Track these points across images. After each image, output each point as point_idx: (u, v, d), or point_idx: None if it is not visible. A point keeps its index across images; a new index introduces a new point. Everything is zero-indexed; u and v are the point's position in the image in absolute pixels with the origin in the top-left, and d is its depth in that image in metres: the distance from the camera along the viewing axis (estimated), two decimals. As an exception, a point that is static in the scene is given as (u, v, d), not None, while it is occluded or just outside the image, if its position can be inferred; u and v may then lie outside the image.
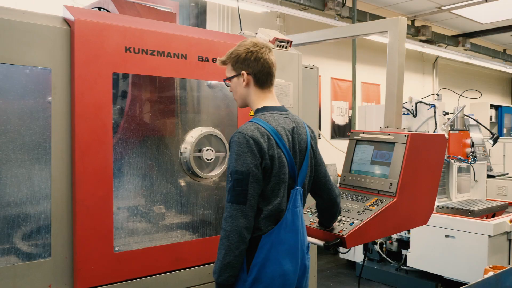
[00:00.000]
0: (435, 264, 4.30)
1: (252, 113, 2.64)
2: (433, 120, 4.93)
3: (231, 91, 2.04)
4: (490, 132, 5.28)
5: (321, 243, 2.31)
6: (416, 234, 4.48)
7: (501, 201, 5.07)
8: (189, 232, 2.48)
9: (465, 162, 4.78)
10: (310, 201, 2.25)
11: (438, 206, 4.56)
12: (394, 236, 4.93)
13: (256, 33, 2.90)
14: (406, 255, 4.60)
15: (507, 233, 4.16)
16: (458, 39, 7.36)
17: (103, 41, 2.11)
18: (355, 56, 5.01)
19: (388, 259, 4.83)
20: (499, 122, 9.89)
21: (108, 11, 2.52)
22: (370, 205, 2.50)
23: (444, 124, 4.77)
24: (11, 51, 1.90)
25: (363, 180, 2.68)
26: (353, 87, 5.24)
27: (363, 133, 2.79)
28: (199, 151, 2.41)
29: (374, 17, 5.65)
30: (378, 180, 2.61)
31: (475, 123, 5.67)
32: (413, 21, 6.38)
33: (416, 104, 4.94)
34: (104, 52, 2.11)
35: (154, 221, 2.39)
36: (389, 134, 2.64)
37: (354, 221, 2.35)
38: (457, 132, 4.82)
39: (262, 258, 1.76)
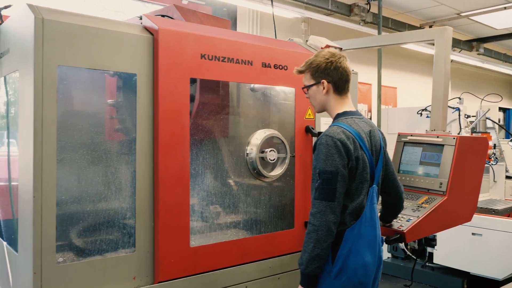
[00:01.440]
0: (462, 261, 4.46)
1: (308, 116, 2.81)
2: (456, 123, 5.10)
3: (307, 98, 2.19)
4: (511, 134, 5.45)
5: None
6: (443, 232, 4.63)
7: (522, 200, 5.24)
8: (252, 228, 2.62)
9: (487, 164, 4.96)
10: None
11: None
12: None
13: (307, 40, 3.05)
14: (431, 253, 4.75)
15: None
16: (472, 44, 7.56)
17: (183, 48, 2.25)
18: (381, 61, 5.15)
19: (413, 256, 5.00)
20: (507, 124, 10.10)
21: (172, 18, 2.66)
22: (422, 203, 2.65)
23: (467, 127, 4.94)
24: (103, 57, 2.04)
25: (412, 180, 2.84)
26: (378, 90, 5.39)
27: (411, 135, 2.94)
28: (263, 152, 2.55)
29: (396, 22, 5.81)
30: (428, 179, 2.76)
31: (491, 125, 5.85)
32: (430, 26, 6.56)
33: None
34: (183, 59, 2.25)
35: (222, 217, 2.53)
36: (437, 137, 2.79)
37: (411, 218, 2.51)
38: (480, 134, 5.00)
39: (346, 251, 1.91)
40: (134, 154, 2.15)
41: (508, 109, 10.49)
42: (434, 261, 4.67)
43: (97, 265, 2.05)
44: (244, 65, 2.50)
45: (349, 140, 1.91)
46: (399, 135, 3.00)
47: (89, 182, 2.07)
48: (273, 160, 2.59)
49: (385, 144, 2.19)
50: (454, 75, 8.97)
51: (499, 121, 10.26)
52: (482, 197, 5.27)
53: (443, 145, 2.75)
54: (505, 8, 5.76)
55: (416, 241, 5.07)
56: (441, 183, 2.69)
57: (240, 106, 2.61)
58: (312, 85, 2.11)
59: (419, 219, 2.48)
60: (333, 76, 2.05)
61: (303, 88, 2.17)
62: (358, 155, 1.92)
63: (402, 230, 2.41)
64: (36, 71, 1.85)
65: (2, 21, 2.43)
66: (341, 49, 3.08)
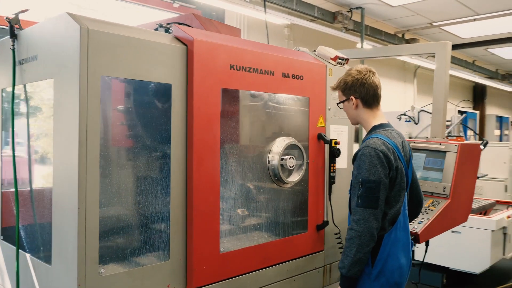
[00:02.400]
0: (442, 257, 4.74)
1: (320, 124, 2.93)
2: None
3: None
4: (481, 138, 5.82)
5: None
6: (423, 231, 4.91)
7: (490, 199, 5.61)
8: (272, 233, 2.71)
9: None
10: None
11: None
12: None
13: (314, 50, 3.15)
14: (413, 250, 5.00)
15: (504, 228, 4.68)
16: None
17: (215, 59, 2.30)
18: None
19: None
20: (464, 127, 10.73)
21: (191, 26, 2.70)
22: (429, 206, 2.83)
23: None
24: (141, 68, 2.06)
25: (416, 185, 3.02)
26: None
27: (414, 142, 3.12)
28: (282, 159, 2.64)
29: (373, 30, 6.06)
30: (432, 184, 2.95)
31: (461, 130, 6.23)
32: (403, 34, 6.88)
33: (418, 112, 5.40)
34: (215, 69, 2.30)
35: (246, 223, 2.60)
36: (440, 144, 2.99)
37: (422, 220, 2.68)
38: (455, 138, 5.32)
39: (386, 254, 2.04)
40: (169, 163, 2.18)
41: (466, 111, 11.19)
42: (415, 258, 4.92)
43: (135, 275, 2.06)
44: (266, 75, 2.57)
45: (390, 151, 2.04)
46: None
47: (128, 192, 2.09)
48: (292, 167, 2.68)
49: (411, 154, 2.35)
50: (423, 81, 9.43)
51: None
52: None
53: (445, 152, 2.94)
54: (474, 19, 6.14)
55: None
56: (444, 187, 2.89)
57: (260, 115, 2.68)
58: (343, 101, 2.26)
59: (430, 221, 2.66)
60: (359, 92, 2.21)
61: (337, 104, 2.30)
62: (398, 165, 2.05)
63: (416, 232, 2.58)
64: (81, 81, 1.85)
65: (20, 26, 2.38)
66: (348, 60, 3.22)
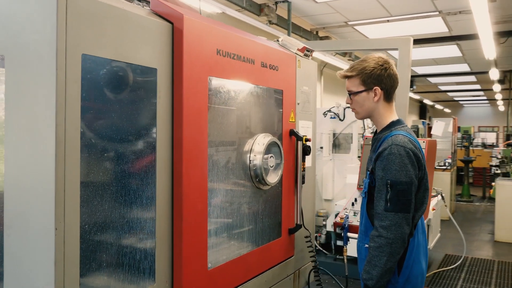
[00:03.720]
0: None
1: (291, 120, 2.70)
2: (356, 124, 5.50)
3: (347, 103, 2.10)
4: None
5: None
6: (354, 227, 4.96)
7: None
8: (252, 242, 2.42)
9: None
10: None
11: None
12: (324, 230, 5.37)
13: (276, 40, 2.91)
14: (342, 246, 5.03)
15: (428, 219, 4.92)
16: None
17: (203, 41, 1.95)
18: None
19: (323, 250, 5.24)
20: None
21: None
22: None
23: (369, 128, 5.38)
24: (126, 47, 1.63)
25: (384, 181, 2.95)
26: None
27: (380, 138, 3.06)
28: (265, 159, 2.37)
29: (293, 25, 6.01)
30: (400, 181, 2.90)
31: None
32: (317, 32, 6.96)
33: (344, 109, 5.45)
34: (204, 54, 1.95)
35: (228, 232, 2.27)
36: (407, 140, 2.95)
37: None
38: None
39: (412, 261, 1.88)
40: (155, 166, 1.78)
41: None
42: (348, 254, 4.97)
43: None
44: (248, 64, 2.28)
45: (417, 149, 1.88)
46: (366, 138, 3.09)
47: (112, 204, 1.64)
48: (272, 166, 2.43)
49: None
50: (329, 80, 9.72)
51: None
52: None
53: (413, 148, 2.91)
54: (388, 21, 6.42)
55: (324, 236, 5.34)
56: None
57: (239, 109, 2.37)
58: (361, 91, 2.02)
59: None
60: (386, 83, 2.00)
61: (351, 94, 2.07)
62: (423, 163, 1.90)
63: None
64: (59, 60, 1.39)
65: None
66: (313, 51, 3.04)
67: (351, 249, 2.65)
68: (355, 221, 2.66)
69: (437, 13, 6.14)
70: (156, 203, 1.79)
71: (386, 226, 1.80)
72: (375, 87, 2.00)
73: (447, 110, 24.27)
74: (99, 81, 1.59)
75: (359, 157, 5.73)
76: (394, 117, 2.04)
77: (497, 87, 12.34)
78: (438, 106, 23.04)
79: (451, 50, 8.84)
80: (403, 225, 1.80)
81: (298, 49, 2.90)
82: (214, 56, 2.02)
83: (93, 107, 1.57)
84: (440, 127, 9.81)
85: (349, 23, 6.64)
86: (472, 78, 13.63)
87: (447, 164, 9.02)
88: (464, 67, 11.32)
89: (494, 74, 9.79)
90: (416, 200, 1.88)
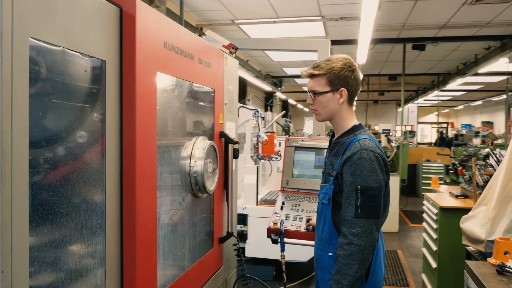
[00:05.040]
0: (271, 251, 4.84)
1: (221, 121, 2.52)
2: (248, 123, 5.48)
3: (309, 104, 1.99)
4: (288, 133, 6.25)
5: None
6: (253, 227, 4.93)
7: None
8: (192, 256, 2.18)
9: (276, 160, 5.54)
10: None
11: (264, 199, 5.15)
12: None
13: (199, 34, 2.70)
14: (243, 247, 4.98)
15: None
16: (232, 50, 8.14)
17: (153, 31, 1.68)
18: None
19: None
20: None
21: None
22: (330, 206, 2.79)
23: (264, 127, 5.39)
24: (75, 33, 1.31)
25: (308, 183, 2.94)
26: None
27: (302, 140, 3.03)
28: (205, 164, 2.16)
29: (180, 20, 5.76)
30: (324, 182, 2.92)
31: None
32: (201, 28, 6.76)
33: (238, 108, 5.36)
34: (153, 47, 1.68)
35: (171, 247, 2.00)
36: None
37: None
38: (270, 133, 5.54)
39: (376, 265, 1.85)
40: (104, 179, 1.47)
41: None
42: (246, 255, 4.92)
43: None
44: (189, 60, 2.05)
45: (384, 153, 1.85)
46: (288, 140, 3.05)
47: (63, 230, 1.30)
48: (211, 172, 2.23)
49: None
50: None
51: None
52: (265, 190, 5.87)
53: (335, 150, 2.95)
54: (274, 22, 6.52)
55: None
56: (338, 185, 2.89)
57: (181, 109, 2.12)
58: (327, 92, 1.92)
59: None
60: (352, 85, 1.93)
61: (315, 93, 1.95)
62: (388, 168, 1.88)
63: (338, 234, 2.49)
64: (3, 44, 1.04)
65: None
66: (237, 48, 2.88)
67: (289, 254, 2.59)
68: (289, 225, 2.59)
69: (320, 17, 6.45)
70: (106, 223, 1.48)
71: (357, 233, 1.75)
72: (341, 89, 1.93)
73: (306, 110, 26.00)
74: (45, 76, 1.24)
75: (252, 156, 5.74)
76: (355, 121, 2.00)
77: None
78: (299, 106, 24.54)
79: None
80: (374, 231, 1.77)
81: (224, 46, 2.73)
82: (162, 49, 1.75)
83: (37, 111, 1.21)
84: (311, 126, 10.41)
85: (236, 21, 6.60)
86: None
87: (319, 160, 9.60)
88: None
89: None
90: (384, 204, 1.87)
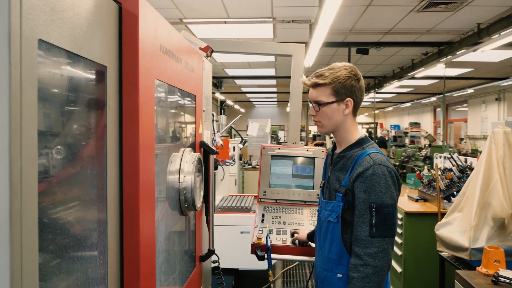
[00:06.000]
0: (231, 260, 4.68)
1: (200, 131, 2.33)
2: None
3: (311, 114, 1.85)
4: (242, 138, 6.11)
5: (311, 259, 2.37)
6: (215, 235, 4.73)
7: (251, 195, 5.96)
8: (179, 280, 1.98)
9: (229, 165, 5.38)
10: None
11: (221, 206, 4.97)
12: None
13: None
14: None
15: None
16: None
17: (153, 33, 1.47)
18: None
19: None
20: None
21: None
22: (312, 216, 2.69)
23: (219, 132, 5.20)
24: (79, 35, 1.09)
25: (286, 193, 2.82)
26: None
27: (279, 148, 2.90)
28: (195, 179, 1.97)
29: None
30: (303, 192, 2.82)
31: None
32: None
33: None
34: (153, 50, 1.48)
35: (166, 276, 1.79)
36: (308, 150, 2.88)
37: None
38: (224, 138, 5.36)
39: (388, 285, 1.75)
40: (106, 192, 1.25)
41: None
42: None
43: None
44: (178, 64, 1.85)
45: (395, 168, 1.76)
46: (264, 148, 2.91)
47: (66, 247, 1.07)
48: (198, 188, 2.04)
49: None
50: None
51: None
52: (218, 195, 5.68)
53: (313, 158, 2.86)
54: (225, 22, 6.34)
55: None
56: (317, 195, 2.80)
57: (171, 118, 1.91)
58: (332, 102, 1.80)
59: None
60: (357, 95, 1.82)
61: (320, 104, 1.81)
62: (400, 184, 1.79)
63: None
64: (13, 44, 0.82)
65: None
66: (213, 51, 2.69)
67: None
68: (274, 240, 2.45)
69: (271, 19, 6.37)
70: (108, 244, 1.26)
71: (373, 254, 1.65)
72: (347, 99, 1.82)
73: (242, 110, 26.01)
74: (52, 84, 1.01)
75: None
76: (360, 133, 1.90)
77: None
78: (236, 106, 24.47)
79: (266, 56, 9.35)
80: (390, 250, 1.68)
81: (200, 48, 2.54)
82: (158, 53, 1.55)
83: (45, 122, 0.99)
84: (255, 128, 10.35)
85: (184, 20, 6.35)
86: (273, 81, 14.85)
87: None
88: (271, 72, 12.21)
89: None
90: None
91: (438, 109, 20.31)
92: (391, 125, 23.83)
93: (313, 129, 19.20)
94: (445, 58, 8.12)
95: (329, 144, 10.03)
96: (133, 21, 1.33)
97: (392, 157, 9.84)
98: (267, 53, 2.98)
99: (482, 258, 2.27)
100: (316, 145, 11.16)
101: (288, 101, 21.45)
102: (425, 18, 6.33)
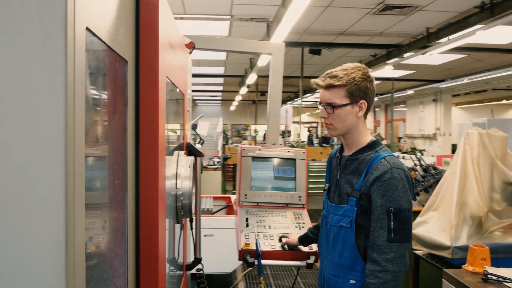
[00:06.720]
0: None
1: (186, 132, 2.20)
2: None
3: (323, 117, 1.78)
4: (200, 137, 5.94)
5: (303, 263, 2.31)
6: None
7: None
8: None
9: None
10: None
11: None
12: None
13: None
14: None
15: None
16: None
17: (166, 26, 1.35)
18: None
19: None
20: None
21: None
22: (296, 219, 2.64)
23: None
24: (109, 24, 0.96)
25: (268, 196, 2.75)
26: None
27: (259, 150, 2.82)
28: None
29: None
30: (285, 194, 2.76)
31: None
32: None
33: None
34: (165, 45, 1.35)
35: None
36: (289, 151, 2.82)
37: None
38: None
39: None
40: (126, 191, 1.12)
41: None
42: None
43: None
44: (177, 60, 1.72)
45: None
46: (243, 150, 2.81)
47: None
48: (193, 193, 1.91)
49: None
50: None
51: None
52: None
53: (295, 159, 2.81)
54: (182, 18, 6.14)
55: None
56: (300, 197, 2.76)
57: (169, 120, 1.76)
58: (346, 105, 1.74)
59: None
60: (370, 97, 1.78)
61: (334, 106, 1.74)
62: (414, 187, 1.76)
63: (316, 251, 2.34)
64: (68, 32, 0.68)
65: None
66: (194, 48, 2.55)
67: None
68: (263, 245, 2.37)
69: (229, 17, 6.26)
70: (128, 239, 1.12)
71: (392, 259, 1.61)
72: (361, 101, 1.77)
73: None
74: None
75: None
76: (370, 135, 1.85)
77: (244, 90, 13.64)
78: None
79: (219, 53, 9.22)
80: (407, 255, 1.65)
81: (185, 45, 2.40)
82: (168, 48, 1.42)
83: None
84: (205, 127, 10.16)
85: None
86: (221, 80, 14.70)
87: (215, 163, 9.42)
88: (221, 70, 12.07)
89: (252, 78, 10.74)
90: None
91: (377, 109, 21.10)
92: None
93: (261, 128, 19.23)
94: (392, 60, 8.41)
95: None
96: (153, 12, 1.20)
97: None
98: (245, 51, 2.88)
99: (467, 256, 2.32)
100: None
101: (233, 100, 21.35)
102: (379, 21, 6.50)
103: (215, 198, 5.82)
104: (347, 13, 6.17)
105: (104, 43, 0.89)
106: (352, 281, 1.73)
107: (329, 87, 1.77)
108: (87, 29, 0.77)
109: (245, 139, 20.12)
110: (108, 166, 1.05)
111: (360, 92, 1.76)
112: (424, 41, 6.93)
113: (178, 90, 1.86)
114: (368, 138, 1.83)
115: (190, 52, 2.49)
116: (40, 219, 0.67)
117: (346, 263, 1.75)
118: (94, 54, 0.87)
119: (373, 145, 1.81)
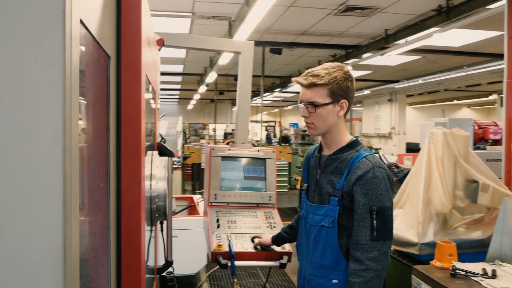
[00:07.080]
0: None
1: (157, 131, 2.14)
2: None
3: (303, 116, 1.76)
4: (162, 136, 5.81)
5: (276, 263, 2.30)
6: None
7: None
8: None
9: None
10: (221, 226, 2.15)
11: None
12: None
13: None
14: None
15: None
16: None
17: (146, 21, 1.29)
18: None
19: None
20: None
21: None
22: (267, 219, 2.62)
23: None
24: (95, 18, 0.90)
25: (238, 196, 2.72)
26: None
27: (229, 149, 2.78)
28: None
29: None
30: (256, 194, 2.74)
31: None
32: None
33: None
34: (145, 42, 1.30)
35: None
36: (258, 151, 2.80)
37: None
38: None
39: None
40: (108, 189, 1.07)
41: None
42: (129, 273, 4.40)
43: None
44: (151, 56, 1.66)
45: None
46: (213, 149, 2.76)
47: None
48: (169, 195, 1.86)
49: None
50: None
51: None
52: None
53: (265, 159, 2.79)
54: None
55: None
56: (270, 196, 2.74)
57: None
58: (328, 104, 1.72)
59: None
60: (351, 97, 1.78)
61: (316, 106, 1.72)
62: (394, 186, 1.78)
63: (289, 250, 2.34)
64: (66, 25, 0.64)
65: None
66: (164, 44, 2.48)
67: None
68: (235, 246, 2.34)
69: (191, 14, 6.16)
70: (111, 244, 1.06)
71: (375, 257, 1.62)
72: (342, 100, 1.77)
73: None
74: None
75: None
76: (349, 135, 1.85)
77: (203, 89, 13.51)
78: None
79: (178, 51, 9.06)
80: (388, 253, 1.67)
81: (156, 41, 2.33)
82: (147, 46, 1.36)
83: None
84: (164, 126, 9.99)
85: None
86: (179, 78, 14.50)
87: (175, 162, 9.28)
88: (179, 68, 11.90)
89: (212, 77, 10.65)
90: None
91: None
92: (290, 124, 24.67)
93: (219, 127, 19.11)
94: (351, 61, 8.57)
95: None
96: (136, 5, 1.14)
97: (301, 154, 10.20)
98: (214, 49, 2.83)
99: (435, 252, 2.39)
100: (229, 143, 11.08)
101: (191, 99, 21.09)
102: (340, 21, 6.60)
103: (176, 198, 5.73)
104: (309, 13, 6.23)
105: (93, 36, 0.83)
106: (334, 281, 1.73)
107: (311, 85, 1.76)
108: (81, 21, 0.71)
109: (203, 138, 19.96)
110: (90, 167, 0.99)
111: (341, 91, 1.76)
112: (383, 42, 7.11)
113: (151, 87, 1.80)
114: (348, 137, 1.84)
115: (159, 49, 2.42)
116: (39, 219, 0.62)
117: (328, 263, 1.75)
118: (86, 48, 0.81)
119: (353, 145, 1.81)
